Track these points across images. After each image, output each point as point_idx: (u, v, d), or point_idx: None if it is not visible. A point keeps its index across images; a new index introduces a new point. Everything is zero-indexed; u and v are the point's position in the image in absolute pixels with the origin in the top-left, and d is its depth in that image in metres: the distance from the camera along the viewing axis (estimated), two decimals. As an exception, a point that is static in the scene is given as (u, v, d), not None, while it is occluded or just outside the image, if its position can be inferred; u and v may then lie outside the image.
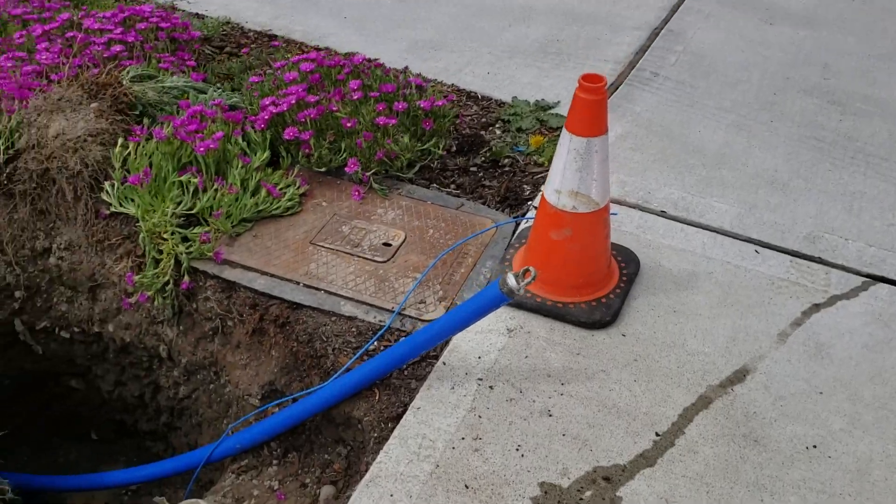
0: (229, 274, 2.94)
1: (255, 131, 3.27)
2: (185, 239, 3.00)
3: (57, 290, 3.53)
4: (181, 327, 3.16)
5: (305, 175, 3.31)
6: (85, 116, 3.24)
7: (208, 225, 3.04)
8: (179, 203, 3.05)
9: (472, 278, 2.86)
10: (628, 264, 2.85)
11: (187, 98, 3.49)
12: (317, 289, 2.85)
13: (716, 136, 3.69)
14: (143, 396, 3.66)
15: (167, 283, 2.99)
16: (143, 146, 3.12)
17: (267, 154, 3.24)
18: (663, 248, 2.98)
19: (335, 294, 2.82)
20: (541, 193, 2.67)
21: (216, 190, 3.07)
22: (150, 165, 3.09)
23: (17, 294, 3.53)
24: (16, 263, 3.45)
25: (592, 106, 2.38)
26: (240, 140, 3.22)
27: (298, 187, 3.22)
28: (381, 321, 2.73)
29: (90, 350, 3.66)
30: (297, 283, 2.88)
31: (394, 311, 2.73)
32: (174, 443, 3.78)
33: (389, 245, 3.01)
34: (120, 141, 3.13)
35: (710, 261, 2.94)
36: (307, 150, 3.28)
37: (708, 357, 2.55)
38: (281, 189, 3.18)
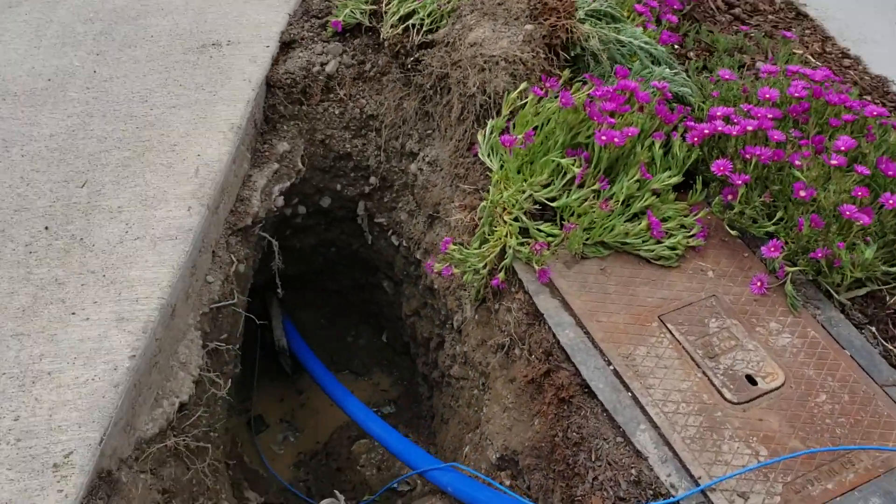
0: (543, 302, 2.29)
1: (683, 143, 2.46)
2: (523, 231, 2.39)
3: (405, 197, 3.20)
4: (476, 315, 2.63)
5: (709, 224, 2.45)
6: (512, 36, 2.69)
7: (561, 228, 2.39)
8: (546, 187, 2.43)
9: (835, 508, 1.86)
10: None
11: (635, 62, 2.75)
12: (626, 387, 2.09)
13: None
14: (430, 342, 3.28)
15: (484, 266, 2.45)
16: (545, 103, 2.50)
17: (677, 179, 2.43)
18: None
19: (641, 408, 2.04)
20: None
21: (595, 191, 2.38)
22: (539, 128, 2.48)
23: (372, 180, 3.27)
24: (383, 150, 3.16)
25: None
26: (656, 147, 2.44)
27: (690, 236, 2.39)
28: (672, 486, 1.90)
29: (408, 269, 3.34)
30: (608, 364, 2.14)
31: (697, 487, 1.88)
32: (434, 402, 3.39)
33: (754, 383, 2.09)
34: (522, 85, 2.55)
35: None
36: (728, 198, 2.40)
37: None
38: (667, 229, 2.38)
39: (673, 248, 2.36)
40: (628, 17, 3.04)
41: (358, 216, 3.38)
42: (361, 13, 3.21)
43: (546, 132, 2.45)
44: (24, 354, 2.08)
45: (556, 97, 2.50)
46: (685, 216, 2.43)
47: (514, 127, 2.51)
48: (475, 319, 2.64)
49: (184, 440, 2.23)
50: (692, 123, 2.50)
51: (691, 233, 2.40)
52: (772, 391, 2.09)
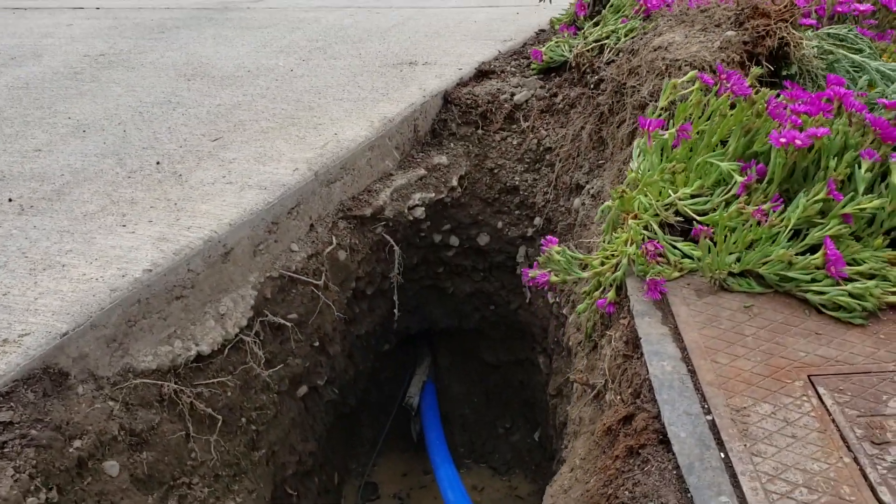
0: (646, 326, 1.66)
1: (907, 175, 1.74)
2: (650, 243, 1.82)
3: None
4: (587, 362, 2.03)
5: (930, 285, 1.67)
6: (707, 42, 2.20)
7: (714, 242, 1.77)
8: (696, 197, 1.85)
9: None
10: None
11: (864, 78, 2.09)
12: (720, 444, 1.38)
13: None
14: (564, 427, 2.66)
15: (598, 287, 1.90)
16: (714, 100, 1.95)
17: (885, 208, 1.71)
18: None
19: (733, 476, 1.32)
20: None
21: (766, 212, 1.74)
22: (699, 124, 1.93)
23: (537, 221, 2.85)
24: (553, 186, 2.75)
25: None
26: (861, 167, 1.75)
27: (891, 291, 1.63)
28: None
29: (557, 334, 2.80)
30: (705, 412, 1.45)
31: None
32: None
33: (941, 494, 1.27)
34: (690, 73, 2.03)
35: None
36: (965, 246, 1.62)
37: None
38: (856, 272, 1.65)
39: (859, 297, 1.62)
40: (887, 61, 2.38)
41: (517, 264, 2.94)
42: (569, 48, 2.91)
43: (709, 131, 1.89)
44: (55, 247, 1.94)
45: (725, 93, 1.94)
46: (890, 267, 1.68)
47: (671, 124, 1.98)
48: (585, 368, 2.04)
49: (187, 395, 1.90)
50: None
51: (892, 286, 1.64)
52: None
